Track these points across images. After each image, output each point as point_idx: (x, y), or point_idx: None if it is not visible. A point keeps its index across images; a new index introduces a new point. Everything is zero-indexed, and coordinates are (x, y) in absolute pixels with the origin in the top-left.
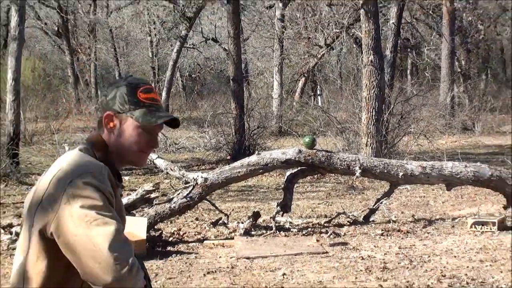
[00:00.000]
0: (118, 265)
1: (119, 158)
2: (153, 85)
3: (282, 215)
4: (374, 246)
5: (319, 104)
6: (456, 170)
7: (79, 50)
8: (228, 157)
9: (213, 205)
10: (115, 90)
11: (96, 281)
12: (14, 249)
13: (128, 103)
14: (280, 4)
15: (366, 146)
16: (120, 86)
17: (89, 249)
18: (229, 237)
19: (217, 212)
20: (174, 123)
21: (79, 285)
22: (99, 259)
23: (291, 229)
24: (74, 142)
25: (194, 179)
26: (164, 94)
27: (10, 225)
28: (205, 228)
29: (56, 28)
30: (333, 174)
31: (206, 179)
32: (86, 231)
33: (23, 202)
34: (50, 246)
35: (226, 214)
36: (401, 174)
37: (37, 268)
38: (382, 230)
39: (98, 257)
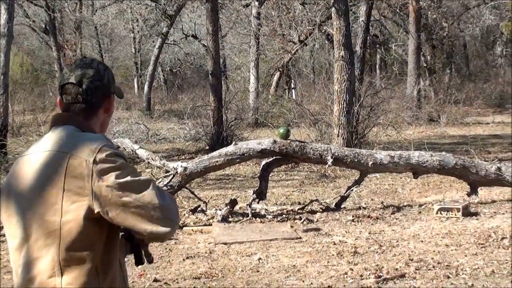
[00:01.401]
0: (172, 212)
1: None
2: (135, 79)
3: (258, 202)
4: (346, 231)
5: (293, 97)
6: (423, 159)
7: (65, 46)
8: (207, 147)
9: (192, 193)
10: (107, 73)
11: (159, 233)
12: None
13: (113, 82)
14: (256, 3)
15: (338, 136)
16: (106, 68)
17: (144, 211)
18: (208, 223)
19: (196, 199)
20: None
21: (116, 253)
22: (156, 215)
23: (267, 216)
24: None
25: (174, 168)
26: (146, 87)
27: None
28: (184, 215)
29: (44, 26)
30: (307, 163)
31: (185, 168)
32: (133, 197)
33: None
34: (96, 222)
35: (204, 202)
36: (370, 163)
37: (92, 246)
38: (353, 216)
39: (155, 213)
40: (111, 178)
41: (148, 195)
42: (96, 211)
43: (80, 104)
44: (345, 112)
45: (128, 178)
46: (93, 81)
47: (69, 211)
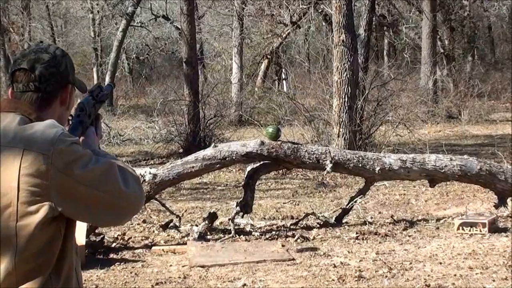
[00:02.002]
0: (139, 195)
1: None
2: (94, 68)
3: (242, 217)
4: (348, 251)
5: (284, 89)
6: (440, 164)
7: (10, 29)
8: (181, 150)
9: (163, 205)
10: (65, 60)
11: (119, 223)
12: None
13: (72, 71)
14: None
15: (338, 137)
16: (65, 55)
17: (108, 202)
18: (181, 242)
19: (167, 213)
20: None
21: (71, 251)
22: (120, 204)
23: (253, 233)
24: None
25: (141, 176)
26: (107, 78)
27: None
28: (153, 232)
29: None
30: (301, 169)
31: (155, 176)
32: (97, 188)
33: None
34: (55, 222)
35: (178, 216)
36: (378, 168)
37: (51, 251)
38: (356, 233)
39: (118, 203)
40: (73, 170)
41: (112, 184)
42: (57, 210)
43: (33, 93)
44: (346, 108)
45: (91, 166)
46: (48, 67)
47: (26, 214)
